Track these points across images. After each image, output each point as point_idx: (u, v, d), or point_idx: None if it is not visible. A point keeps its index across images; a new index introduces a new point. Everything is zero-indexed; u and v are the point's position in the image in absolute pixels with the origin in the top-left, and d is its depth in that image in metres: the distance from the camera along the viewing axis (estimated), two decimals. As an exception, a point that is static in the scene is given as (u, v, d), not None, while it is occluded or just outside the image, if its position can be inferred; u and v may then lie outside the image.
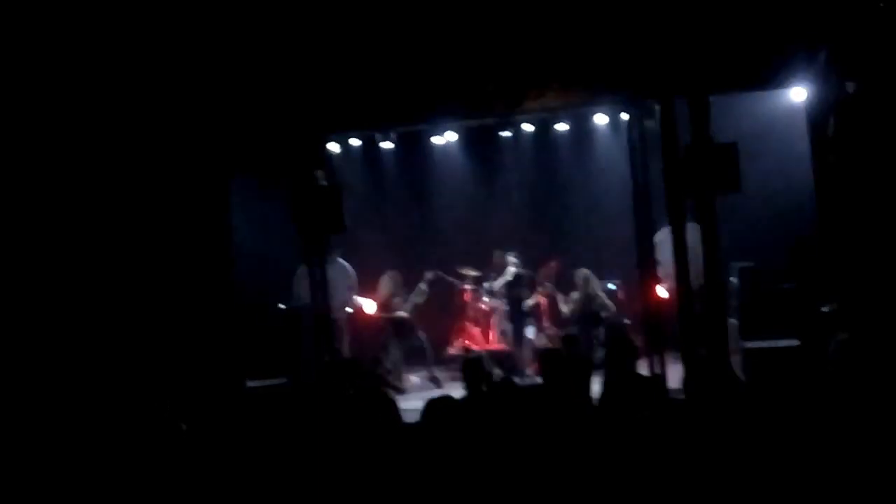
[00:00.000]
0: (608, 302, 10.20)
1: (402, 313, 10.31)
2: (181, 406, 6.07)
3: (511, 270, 10.35)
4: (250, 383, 8.45)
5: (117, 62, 7.77)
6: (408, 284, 10.61)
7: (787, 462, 4.25)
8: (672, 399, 5.68)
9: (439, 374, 10.16)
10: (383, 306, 10.38)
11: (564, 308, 10.31)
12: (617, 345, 6.29)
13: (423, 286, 10.52)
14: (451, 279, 10.93)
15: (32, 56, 7.41)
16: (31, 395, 6.65)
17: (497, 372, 9.25)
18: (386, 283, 10.47)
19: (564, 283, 10.50)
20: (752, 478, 4.18)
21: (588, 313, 10.12)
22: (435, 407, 4.59)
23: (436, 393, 8.90)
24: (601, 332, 9.97)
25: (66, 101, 7.66)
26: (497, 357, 10.16)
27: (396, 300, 10.35)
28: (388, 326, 10.32)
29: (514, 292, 10.38)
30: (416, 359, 10.47)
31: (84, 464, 5.16)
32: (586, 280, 10.20)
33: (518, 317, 10.34)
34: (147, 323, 7.85)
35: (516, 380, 7.74)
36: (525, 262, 10.58)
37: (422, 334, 10.33)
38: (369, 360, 9.26)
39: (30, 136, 7.50)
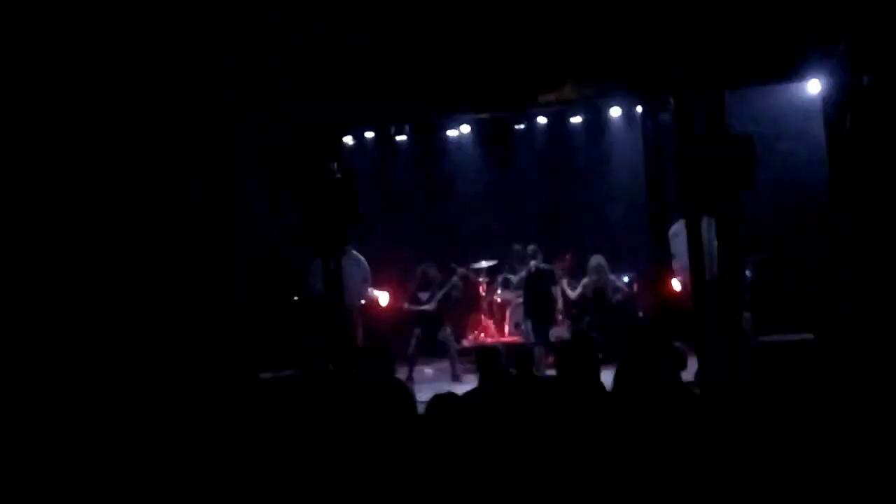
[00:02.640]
0: (621, 285, 10.19)
1: (428, 307, 10.26)
2: (194, 397, 6.10)
3: (532, 264, 10.28)
4: (263, 375, 8.48)
5: (136, 50, 7.78)
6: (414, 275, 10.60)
7: (799, 456, 4.25)
8: (686, 392, 5.67)
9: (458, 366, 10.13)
10: (411, 298, 10.36)
11: (571, 293, 10.29)
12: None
13: (455, 281, 10.51)
14: (472, 274, 10.94)
15: (38, 52, 7.43)
16: (42, 389, 6.67)
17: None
18: (417, 275, 10.45)
19: (579, 276, 10.50)
20: (763, 471, 4.18)
21: (599, 300, 10.12)
22: (438, 404, 4.60)
23: (447, 386, 9.02)
24: (611, 318, 9.94)
25: (79, 94, 7.67)
26: (511, 350, 10.16)
27: (423, 295, 10.30)
28: (413, 319, 10.30)
29: (534, 287, 10.32)
30: (438, 352, 10.48)
31: (95, 456, 5.19)
32: (599, 267, 10.19)
33: (537, 311, 10.29)
34: (159, 315, 7.88)
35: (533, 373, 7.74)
36: (540, 253, 10.56)
37: (447, 328, 10.29)
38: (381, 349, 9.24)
39: (37, 130, 7.51)
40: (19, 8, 7.25)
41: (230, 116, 8.59)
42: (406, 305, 10.34)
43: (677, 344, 7.22)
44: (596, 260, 10.21)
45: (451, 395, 4.81)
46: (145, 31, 7.86)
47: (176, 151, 8.32)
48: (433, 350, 10.45)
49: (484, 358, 6.04)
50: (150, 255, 8.00)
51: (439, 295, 10.25)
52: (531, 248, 10.38)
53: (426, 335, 10.16)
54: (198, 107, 8.41)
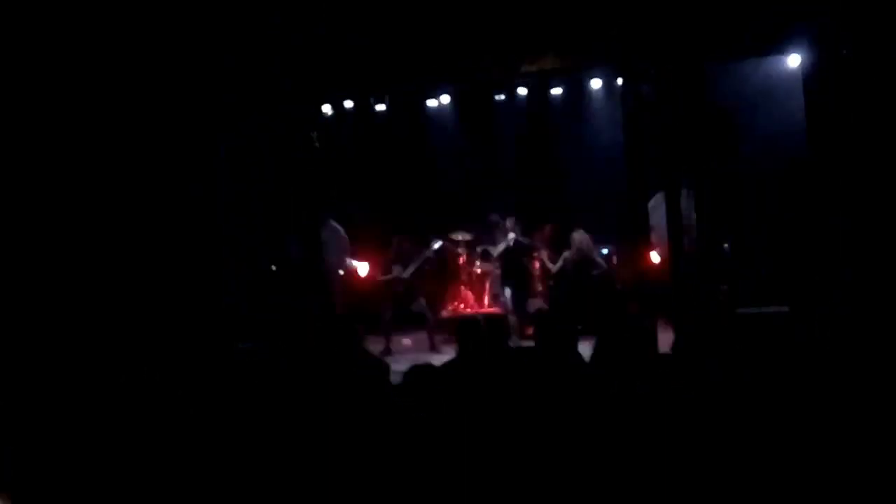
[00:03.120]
0: (599, 261, 10.24)
1: (403, 276, 10.21)
2: (171, 368, 6.07)
3: (511, 236, 10.26)
4: (242, 345, 8.44)
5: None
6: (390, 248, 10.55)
7: (775, 425, 4.28)
8: (663, 363, 5.71)
9: (436, 337, 10.11)
10: (385, 269, 10.32)
11: (551, 266, 10.31)
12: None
13: (429, 253, 10.48)
14: (450, 245, 10.93)
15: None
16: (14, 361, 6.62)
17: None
18: (392, 247, 10.39)
19: (558, 247, 10.50)
20: (741, 440, 4.21)
21: (578, 273, 10.14)
22: (414, 374, 4.60)
23: (425, 357, 9.02)
24: (589, 291, 9.98)
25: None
26: (490, 321, 10.16)
27: (397, 267, 10.26)
28: (387, 290, 10.26)
29: (513, 259, 10.32)
30: (415, 323, 10.47)
31: (67, 427, 5.15)
32: (582, 241, 10.20)
33: (515, 283, 10.30)
34: (137, 286, 7.82)
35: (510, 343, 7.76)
36: (519, 224, 10.54)
37: (422, 300, 10.27)
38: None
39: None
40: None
41: (209, 84, 8.50)
42: (380, 277, 10.32)
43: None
44: (579, 235, 10.22)
45: (428, 366, 4.80)
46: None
47: (155, 121, 8.23)
48: (410, 321, 10.45)
49: (464, 329, 6.04)
50: (124, 224, 7.92)
51: (412, 267, 10.24)
52: (510, 220, 10.37)
53: (401, 307, 10.16)
54: (175, 75, 8.31)
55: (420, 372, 4.62)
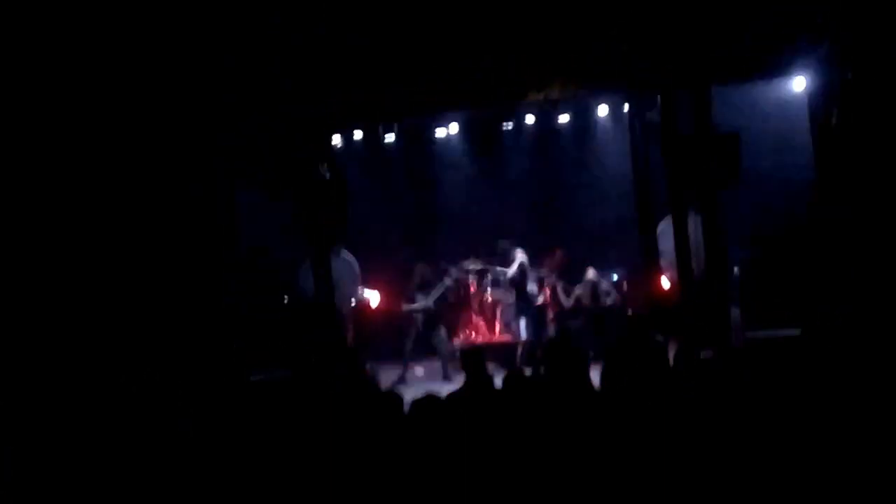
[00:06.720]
0: (610, 288, 10.28)
1: (427, 305, 10.26)
2: (184, 400, 6.07)
3: (517, 264, 10.31)
4: (254, 377, 8.45)
5: (116, 56, 7.73)
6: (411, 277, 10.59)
7: (787, 450, 4.27)
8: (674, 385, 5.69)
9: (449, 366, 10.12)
10: (407, 298, 10.37)
11: (565, 301, 10.33)
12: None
13: (448, 281, 10.53)
14: (461, 274, 10.96)
15: (39, 50, 7.38)
16: (26, 393, 6.62)
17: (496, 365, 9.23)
18: (414, 275, 10.45)
19: (568, 274, 10.52)
20: (752, 465, 4.20)
21: (594, 308, 10.18)
22: (419, 407, 4.60)
23: (437, 386, 9.02)
24: (602, 321, 10.01)
25: (76, 93, 7.61)
26: (501, 349, 10.18)
27: (420, 295, 10.31)
28: (410, 318, 10.31)
29: (521, 286, 10.34)
30: (432, 352, 10.48)
31: (84, 461, 5.17)
32: (595, 279, 10.29)
33: (527, 312, 10.31)
34: (148, 316, 7.83)
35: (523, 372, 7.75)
36: (528, 253, 10.56)
37: (443, 329, 10.30)
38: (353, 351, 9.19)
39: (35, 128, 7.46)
40: (22, 4, 7.22)
41: (220, 117, 8.54)
42: (404, 306, 10.34)
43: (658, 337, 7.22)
44: (590, 273, 10.33)
45: (431, 397, 4.80)
46: (145, 30, 7.83)
47: (166, 153, 8.27)
48: (427, 350, 10.47)
49: (469, 358, 6.05)
50: (137, 255, 7.94)
51: (436, 294, 10.29)
52: (518, 250, 10.42)
53: (422, 335, 10.20)
54: (193, 107, 8.36)
55: (424, 404, 4.62)
